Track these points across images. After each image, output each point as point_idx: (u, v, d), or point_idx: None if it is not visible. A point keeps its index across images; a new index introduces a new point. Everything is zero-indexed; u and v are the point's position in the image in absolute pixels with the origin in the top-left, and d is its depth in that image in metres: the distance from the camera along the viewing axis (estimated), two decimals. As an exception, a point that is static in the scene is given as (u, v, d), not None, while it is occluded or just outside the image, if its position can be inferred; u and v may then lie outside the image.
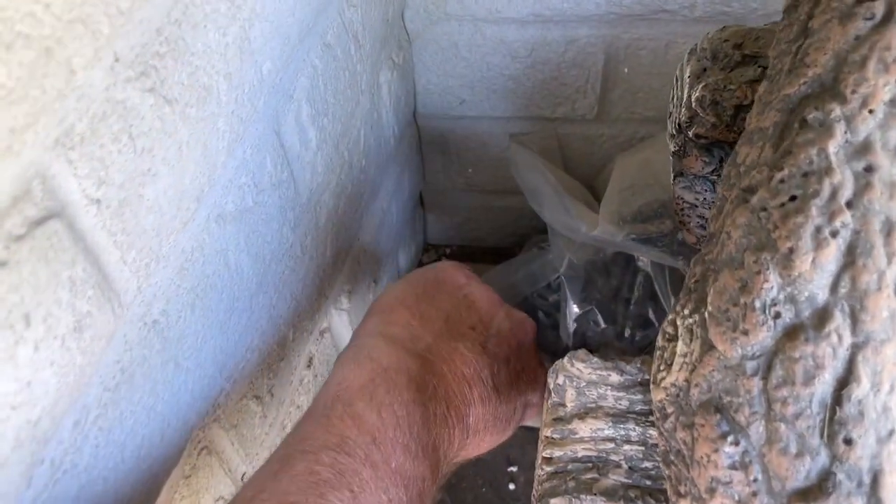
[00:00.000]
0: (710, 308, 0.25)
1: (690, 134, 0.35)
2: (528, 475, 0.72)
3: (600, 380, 0.36)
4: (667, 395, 0.27)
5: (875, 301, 0.22)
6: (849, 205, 0.23)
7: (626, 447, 0.36)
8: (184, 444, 0.35)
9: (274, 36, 0.36)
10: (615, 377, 0.36)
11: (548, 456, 0.36)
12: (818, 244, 0.23)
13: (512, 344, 0.45)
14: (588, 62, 0.66)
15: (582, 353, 0.37)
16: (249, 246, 0.37)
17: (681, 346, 0.26)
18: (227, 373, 0.38)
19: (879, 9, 0.23)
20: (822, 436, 0.23)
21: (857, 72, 0.23)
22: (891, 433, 0.22)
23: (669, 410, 0.26)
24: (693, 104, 0.35)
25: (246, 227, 0.37)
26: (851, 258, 0.23)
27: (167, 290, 0.30)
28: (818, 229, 0.23)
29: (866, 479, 0.22)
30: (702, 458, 0.25)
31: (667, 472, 0.27)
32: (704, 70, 0.35)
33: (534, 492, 0.37)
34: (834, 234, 0.23)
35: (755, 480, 0.23)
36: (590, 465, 0.36)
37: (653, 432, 0.36)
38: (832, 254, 0.23)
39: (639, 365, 0.36)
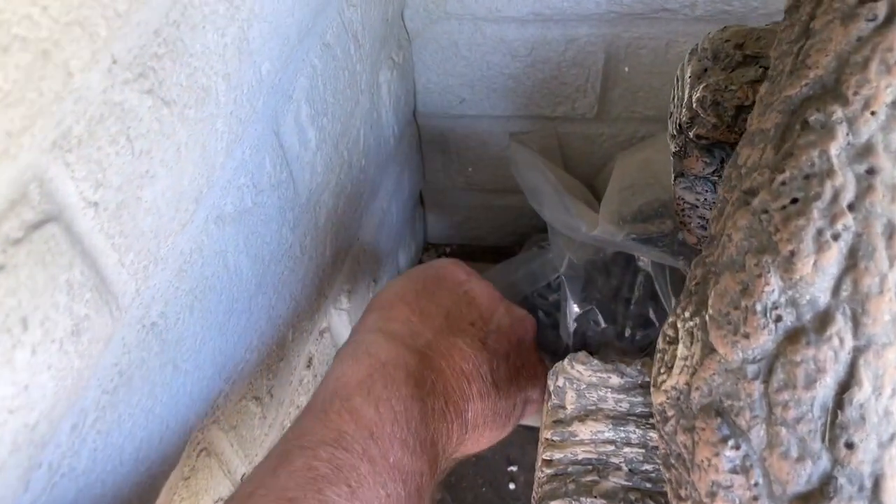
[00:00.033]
0: (710, 311, 0.25)
1: (691, 134, 0.35)
2: (528, 475, 0.72)
3: (600, 382, 0.36)
4: (667, 399, 0.26)
5: (877, 304, 0.22)
6: (850, 207, 0.23)
7: (627, 450, 0.36)
8: (183, 445, 0.34)
9: (273, 36, 0.36)
10: (615, 379, 0.36)
11: (548, 458, 0.36)
12: (820, 247, 0.23)
13: (512, 340, 0.45)
14: (588, 61, 0.66)
15: (582, 355, 0.36)
16: (248, 247, 0.37)
17: (681, 349, 0.26)
18: (227, 374, 0.38)
19: (882, 10, 0.23)
20: (823, 440, 0.22)
21: (858, 73, 0.23)
22: (892, 437, 0.22)
23: (670, 414, 0.26)
24: (694, 105, 0.34)
25: (245, 228, 0.37)
26: (853, 261, 0.22)
27: (165, 292, 0.30)
28: (820, 232, 0.23)
29: (868, 484, 0.22)
30: (702, 461, 0.24)
31: (667, 475, 0.27)
32: (705, 70, 0.35)
33: (534, 494, 0.37)
34: (835, 237, 0.23)
35: (756, 484, 0.23)
36: (590, 467, 0.36)
37: (653, 435, 0.35)
38: (834, 257, 0.23)
39: (639, 367, 0.36)
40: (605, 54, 0.65)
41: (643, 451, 0.36)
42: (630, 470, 0.35)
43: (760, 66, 0.34)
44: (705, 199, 0.38)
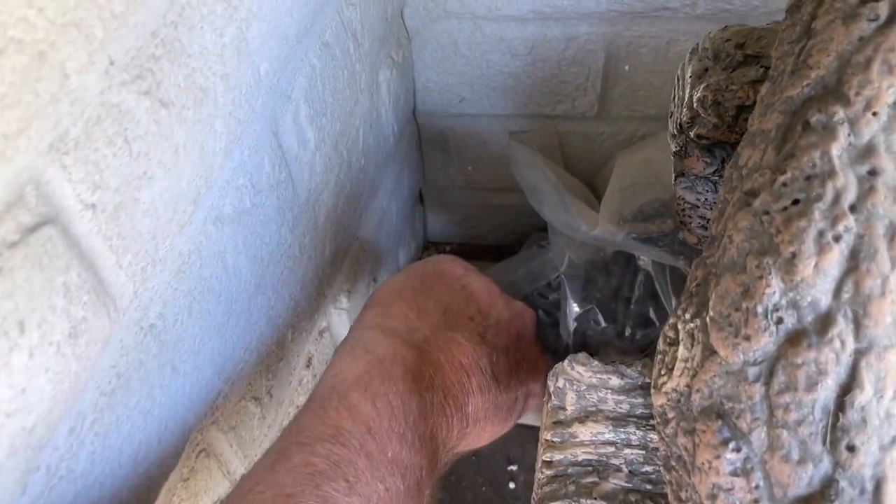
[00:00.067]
0: (711, 313, 0.25)
1: (692, 134, 0.35)
2: (528, 474, 0.72)
3: (600, 383, 0.36)
4: (668, 401, 0.26)
5: (878, 306, 0.22)
6: (852, 209, 0.22)
7: (627, 451, 0.35)
8: (182, 447, 0.34)
9: (271, 36, 0.35)
10: (615, 381, 0.36)
11: (548, 459, 0.36)
12: (821, 249, 0.23)
13: (511, 334, 0.45)
14: (588, 60, 0.66)
15: (582, 356, 0.36)
16: (247, 247, 0.37)
17: (682, 351, 0.26)
18: (226, 375, 0.38)
19: (884, 10, 0.23)
20: (824, 442, 0.22)
21: (860, 74, 0.23)
22: (894, 440, 0.22)
23: (670, 416, 0.26)
24: (695, 104, 0.34)
25: (244, 229, 0.36)
26: (855, 263, 0.22)
27: (164, 293, 0.30)
28: (821, 233, 0.23)
29: (869, 487, 0.22)
30: (703, 464, 0.24)
31: (668, 477, 0.27)
32: (706, 70, 0.35)
33: (533, 495, 0.36)
34: (837, 239, 0.22)
35: (757, 487, 0.23)
36: (590, 468, 0.36)
37: (653, 436, 0.35)
38: (835, 258, 0.22)
39: (639, 368, 0.36)
40: (605, 53, 0.65)
41: (643, 452, 0.35)
42: (630, 471, 0.35)
43: (761, 66, 0.33)
44: (706, 199, 0.38)
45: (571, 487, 0.35)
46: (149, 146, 0.26)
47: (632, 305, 0.66)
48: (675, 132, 0.37)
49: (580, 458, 0.36)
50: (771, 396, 0.23)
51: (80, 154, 0.23)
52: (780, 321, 0.23)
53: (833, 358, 0.22)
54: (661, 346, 0.28)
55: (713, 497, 0.24)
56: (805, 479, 0.22)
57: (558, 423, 0.37)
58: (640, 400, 0.36)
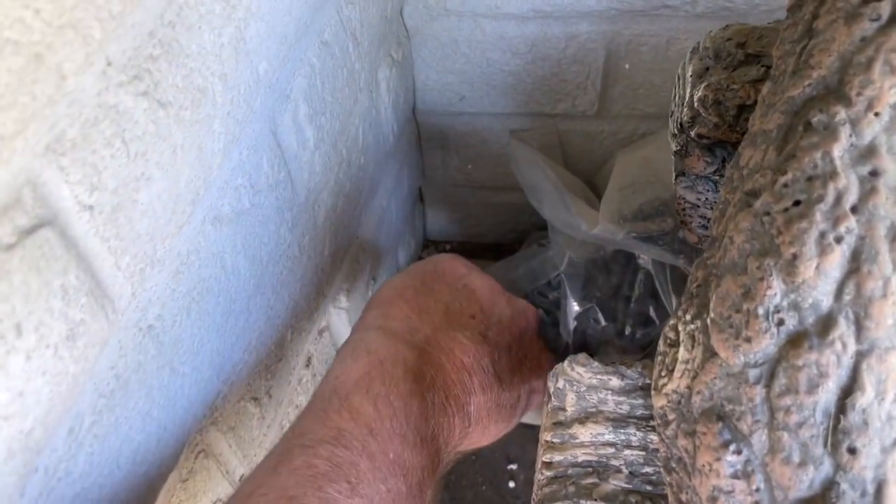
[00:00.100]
0: (712, 314, 0.25)
1: (692, 134, 0.35)
2: (528, 473, 0.72)
3: (601, 384, 0.36)
4: (668, 402, 0.26)
5: (880, 308, 0.22)
6: (854, 210, 0.22)
7: (627, 452, 0.35)
8: (181, 448, 0.34)
9: (270, 35, 0.35)
10: (616, 381, 0.36)
11: (548, 460, 0.36)
12: (822, 250, 0.22)
13: (514, 332, 0.45)
14: (589, 58, 0.65)
15: (582, 357, 0.36)
16: (246, 248, 0.37)
17: (682, 353, 0.26)
18: (225, 375, 0.38)
19: (886, 9, 0.23)
20: (825, 445, 0.22)
21: (862, 74, 0.23)
22: (895, 442, 0.22)
23: (671, 417, 0.26)
24: (695, 104, 0.34)
25: (243, 229, 0.36)
26: (856, 264, 0.22)
27: (162, 294, 0.30)
28: (822, 235, 0.22)
29: (870, 489, 0.22)
30: (703, 466, 0.24)
31: (668, 479, 0.27)
32: (707, 69, 0.35)
33: (533, 496, 0.36)
34: (838, 240, 0.22)
35: (757, 490, 0.23)
36: (590, 469, 0.35)
37: (653, 437, 0.35)
38: (836, 260, 0.22)
39: (639, 369, 0.36)
40: (605, 51, 0.65)
41: (643, 453, 0.35)
42: (630, 472, 0.35)
43: (762, 66, 0.33)
44: (706, 199, 0.38)
45: (571, 488, 0.35)
46: (147, 147, 0.26)
47: (632, 304, 0.66)
48: (676, 131, 0.37)
49: (580, 460, 0.36)
50: (772, 398, 0.23)
51: (77, 155, 0.22)
52: (781, 323, 0.23)
53: (834, 360, 0.22)
54: (661, 347, 0.28)
55: (714, 499, 0.24)
56: (806, 481, 0.22)
57: (558, 424, 0.37)
58: (640, 401, 0.36)
